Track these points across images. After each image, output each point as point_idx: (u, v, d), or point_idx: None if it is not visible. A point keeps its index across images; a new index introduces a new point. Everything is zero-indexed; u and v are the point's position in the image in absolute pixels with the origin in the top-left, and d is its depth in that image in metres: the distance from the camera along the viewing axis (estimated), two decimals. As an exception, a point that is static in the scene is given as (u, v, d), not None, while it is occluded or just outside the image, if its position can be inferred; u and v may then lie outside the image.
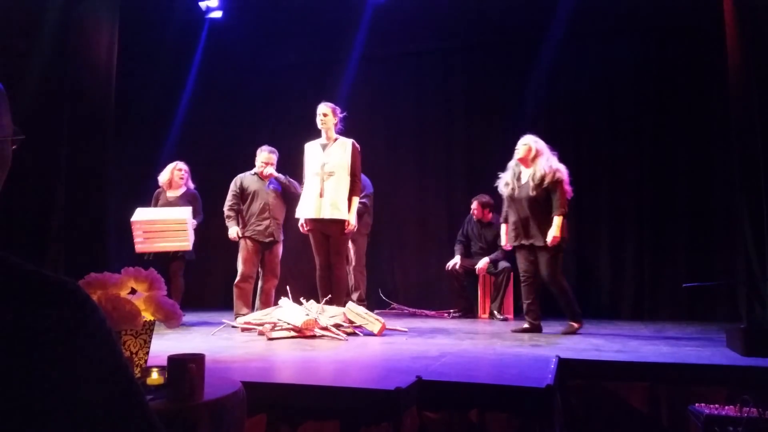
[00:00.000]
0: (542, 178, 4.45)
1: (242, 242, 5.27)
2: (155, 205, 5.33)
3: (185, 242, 5.08)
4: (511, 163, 4.74)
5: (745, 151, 4.49)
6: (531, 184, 4.51)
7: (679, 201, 6.11)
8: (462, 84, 7.03)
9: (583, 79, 6.48)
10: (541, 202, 4.49)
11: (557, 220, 4.42)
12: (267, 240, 5.24)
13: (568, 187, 4.53)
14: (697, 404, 2.68)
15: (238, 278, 5.25)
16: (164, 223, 5.04)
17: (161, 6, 6.68)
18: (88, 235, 5.15)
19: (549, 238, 4.41)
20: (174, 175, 5.40)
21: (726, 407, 2.59)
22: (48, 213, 4.96)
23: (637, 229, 6.23)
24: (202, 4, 7.02)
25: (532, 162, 4.55)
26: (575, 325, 4.56)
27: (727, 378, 2.96)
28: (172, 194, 5.40)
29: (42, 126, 4.79)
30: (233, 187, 5.36)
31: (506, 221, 4.84)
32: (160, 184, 5.45)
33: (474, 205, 6.11)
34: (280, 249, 5.36)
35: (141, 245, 5.01)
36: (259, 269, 5.33)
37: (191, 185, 5.52)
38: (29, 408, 0.59)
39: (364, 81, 6.98)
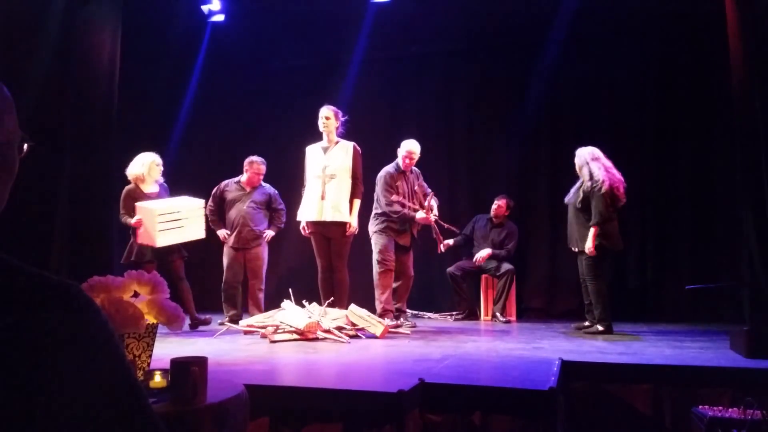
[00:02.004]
0: (588, 189, 4.69)
1: (225, 248, 5.35)
2: (133, 205, 4.94)
3: (201, 231, 5.06)
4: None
5: (748, 153, 4.48)
6: (578, 193, 4.79)
7: (682, 203, 6.10)
8: (464, 86, 7.03)
9: (585, 80, 6.48)
10: (582, 211, 4.76)
11: (591, 231, 4.64)
12: (242, 247, 5.28)
13: (617, 196, 4.67)
14: (700, 406, 2.67)
15: (223, 283, 5.31)
16: (184, 212, 4.92)
17: (164, 10, 6.69)
18: (92, 239, 5.15)
19: (586, 249, 4.67)
20: (152, 169, 5.08)
21: (730, 409, 2.59)
22: (51, 216, 4.96)
23: (640, 231, 6.22)
24: (205, 8, 7.03)
25: (581, 173, 4.81)
26: (600, 328, 4.64)
27: (730, 380, 2.95)
28: (149, 189, 5.09)
29: (45, 129, 4.81)
30: (215, 192, 5.45)
31: None
32: (132, 178, 5.07)
33: (501, 202, 6.08)
34: (261, 251, 5.33)
35: (163, 237, 4.79)
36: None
37: (161, 178, 5.24)
38: (32, 411, 0.59)
39: (365, 84, 6.98)
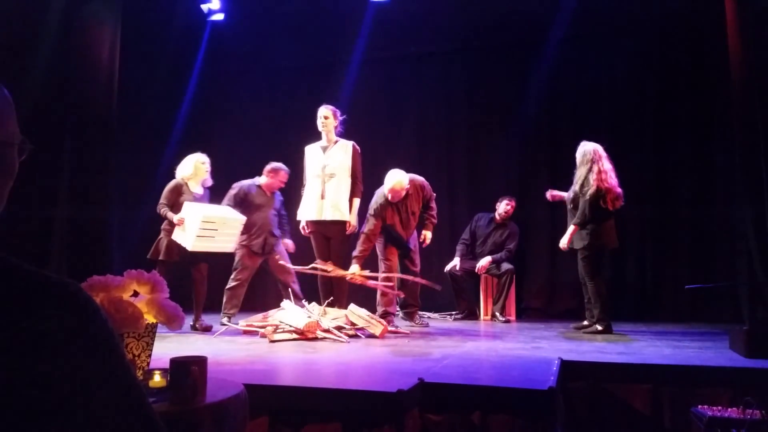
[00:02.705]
0: (577, 189, 4.72)
1: (242, 249, 5.11)
2: (176, 199, 4.91)
3: (232, 246, 4.92)
4: None
5: (747, 151, 4.48)
6: (571, 192, 4.83)
7: (681, 202, 6.10)
8: (463, 86, 7.04)
9: (584, 79, 6.48)
10: (574, 210, 4.78)
11: (570, 229, 4.73)
12: (267, 253, 5.15)
13: (606, 200, 4.64)
14: (699, 406, 2.67)
15: (234, 282, 5.08)
16: (224, 223, 4.80)
17: (163, 8, 6.69)
18: (91, 238, 5.14)
19: (560, 244, 4.78)
20: (198, 169, 5.03)
21: (729, 409, 2.59)
22: (51, 215, 4.96)
23: (639, 231, 6.23)
24: (204, 7, 7.03)
25: (577, 170, 4.82)
26: (599, 327, 4.65)
27: (729, 380, 2.95)
28: (196, 189, 5.04)
29: (44, 128, 4.80)
30: (237, 193, 5.16)
31: None
32: (181, 177, 5.04)
33: (513, 203, 6.06)
34: (283, 249, 5.25)
35: (197, 242, 4.68)
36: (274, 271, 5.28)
37: (210, 181, 5.19)
38: (32, 410, 0.59)
39: (365, 83, 6.98)
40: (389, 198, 4.92)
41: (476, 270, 5.98)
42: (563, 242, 4.78)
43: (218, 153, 7.07)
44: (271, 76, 7.46)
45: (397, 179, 4.88)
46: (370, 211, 5.03)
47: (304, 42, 7.18)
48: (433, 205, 5.29)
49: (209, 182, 5.17)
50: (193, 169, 5.01)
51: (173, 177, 5.13)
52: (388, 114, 7.15)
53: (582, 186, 4.67)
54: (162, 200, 4.91)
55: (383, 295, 5.07)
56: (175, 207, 4.87)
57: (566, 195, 4.98)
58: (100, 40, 5.34)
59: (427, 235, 5.23)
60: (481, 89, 6.92)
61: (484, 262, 5.95)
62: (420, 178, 5.18)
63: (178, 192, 4.94)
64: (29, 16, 4.84)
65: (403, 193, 4.94)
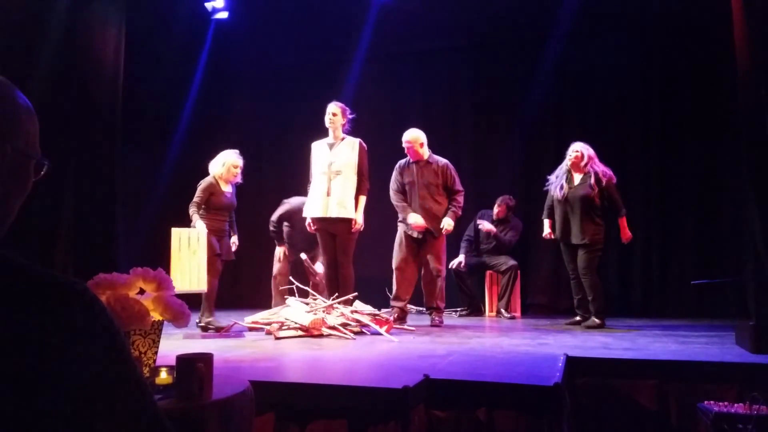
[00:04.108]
0: (603, 181, 4.77)
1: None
2: (207, 198, 4.86)
3: (178, 287, 4.71)
4: (563, 167, 5.01)
5: (753, 147, 4.46)
6: (589, 186, 4.80)
7: (687, 198, 6.09)
8: (467, 83, 7.03)
9: (590, 77, 6.46)
10: (592, 204, 4.80)
11: (623, 222, 4.82)
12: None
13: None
14: (706, 402, 2.67)
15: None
16: (197, 266, 4.66)
17: (167, 7, 6.70)
18: (97, 237, 5.15)
19: (624, 238, 4.88)
20: (229, 171, 4.96)
21: (735, 405, 2.58)
22: (57, 215, 4.98)
23: (645, 227, 6.21)
24: (208, 5, 7.04)
25: (585, 167, 4.84)
26: (597, 321, 4.71)
27: (736, 375, 2.95)
28: (226, 188, 4.98)
29: (49, 128, 4.81)
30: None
31: (549, 217, 5.16)
32: (214, 176, 4.96)
33: (502, 206, 6.12)
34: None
35: (183, 232, 4.66)
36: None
37: (239, 179, 5.12)
38: (38, 408, 0.59)
39: (369, 80, 6.98)
40: (406, 150, 5.15)
41: (481, 228, 6.08)
42: (629, 236, 4.88)
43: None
44: (275, 74, 7.47)
45: (412, 132, 5.15)
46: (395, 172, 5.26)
47: (308, 40, 7.18)
48: (459, 198, 5.18)
49: (238, 179, 5.12)
50: (226, 170, 4.97)
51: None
52: (392, 111, 7.14)
53: (610, 178, 4.79)
54: (196, 198, 4.87)
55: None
56: (207, 204, 4.86)
57: (562, 192, 4.94)
58: (104, 40, 5.35)
59: (447, 222, 5.09)
60: (485, 87, 6.91)
61: (489, 226, 6.02)
62: (445, 160, 5.23)
63: (211, 191, 4.91)
64: (33, 17, 4.85)
65: (418, 147, 5.10)
